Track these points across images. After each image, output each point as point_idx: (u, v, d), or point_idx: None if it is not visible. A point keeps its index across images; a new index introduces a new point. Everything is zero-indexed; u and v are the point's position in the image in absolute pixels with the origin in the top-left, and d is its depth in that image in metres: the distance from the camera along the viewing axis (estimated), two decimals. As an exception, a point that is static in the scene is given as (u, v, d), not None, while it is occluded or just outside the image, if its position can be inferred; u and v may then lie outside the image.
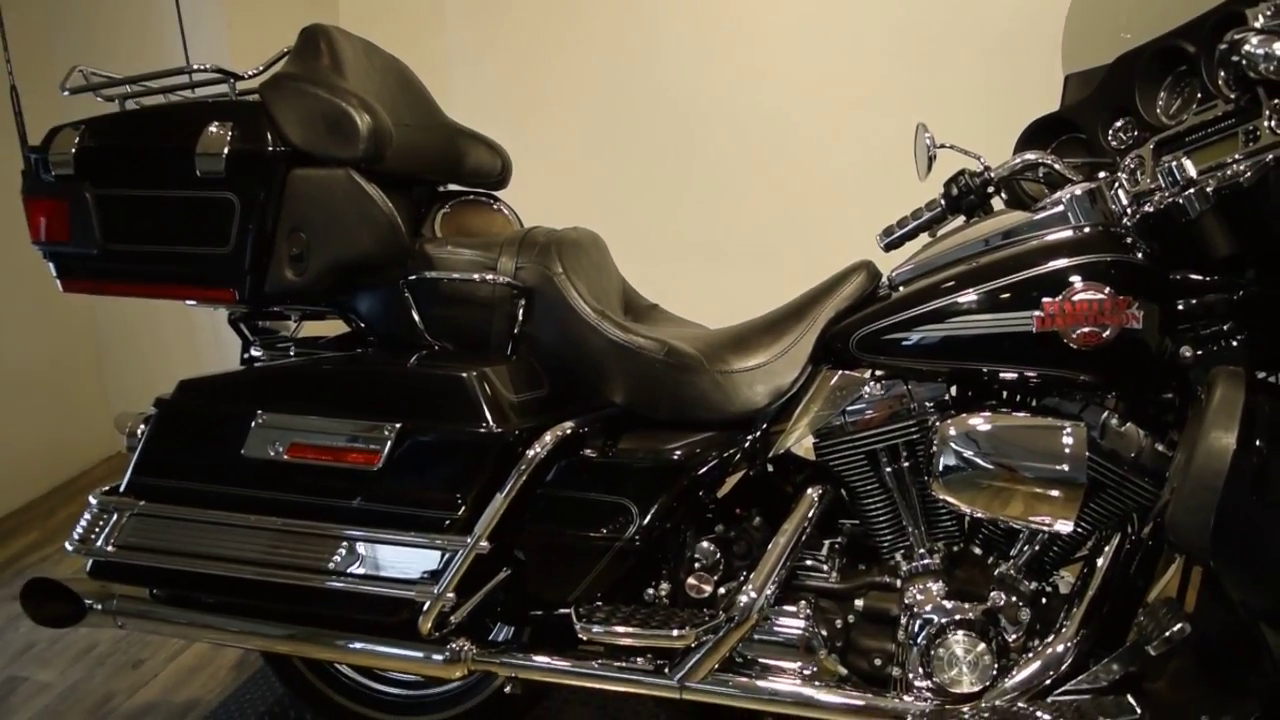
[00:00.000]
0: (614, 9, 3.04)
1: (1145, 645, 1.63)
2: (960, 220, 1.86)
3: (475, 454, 1.75)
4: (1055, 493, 1.64)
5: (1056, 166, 1.81)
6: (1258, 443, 1.49)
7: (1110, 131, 1.90)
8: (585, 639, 1.76)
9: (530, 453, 1.74)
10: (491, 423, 1.74)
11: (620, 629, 1.74)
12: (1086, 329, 1.61)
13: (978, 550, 1.81)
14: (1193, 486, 1.51)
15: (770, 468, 1.91)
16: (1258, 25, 1.49)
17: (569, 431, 1.78)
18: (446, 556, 1.72)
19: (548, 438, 1.75)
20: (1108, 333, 1.61)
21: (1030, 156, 1.84)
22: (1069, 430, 1.64)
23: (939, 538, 1.82)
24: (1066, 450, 1.63)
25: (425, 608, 1.72)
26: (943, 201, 1.85)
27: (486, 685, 2.02)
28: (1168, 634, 1.62)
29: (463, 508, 1.73)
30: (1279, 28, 1.47)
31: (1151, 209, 1.64)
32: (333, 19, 3.27)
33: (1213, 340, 1.67)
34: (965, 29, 2.74)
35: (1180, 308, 1.68)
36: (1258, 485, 1.49)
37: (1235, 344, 1.66)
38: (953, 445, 1.66)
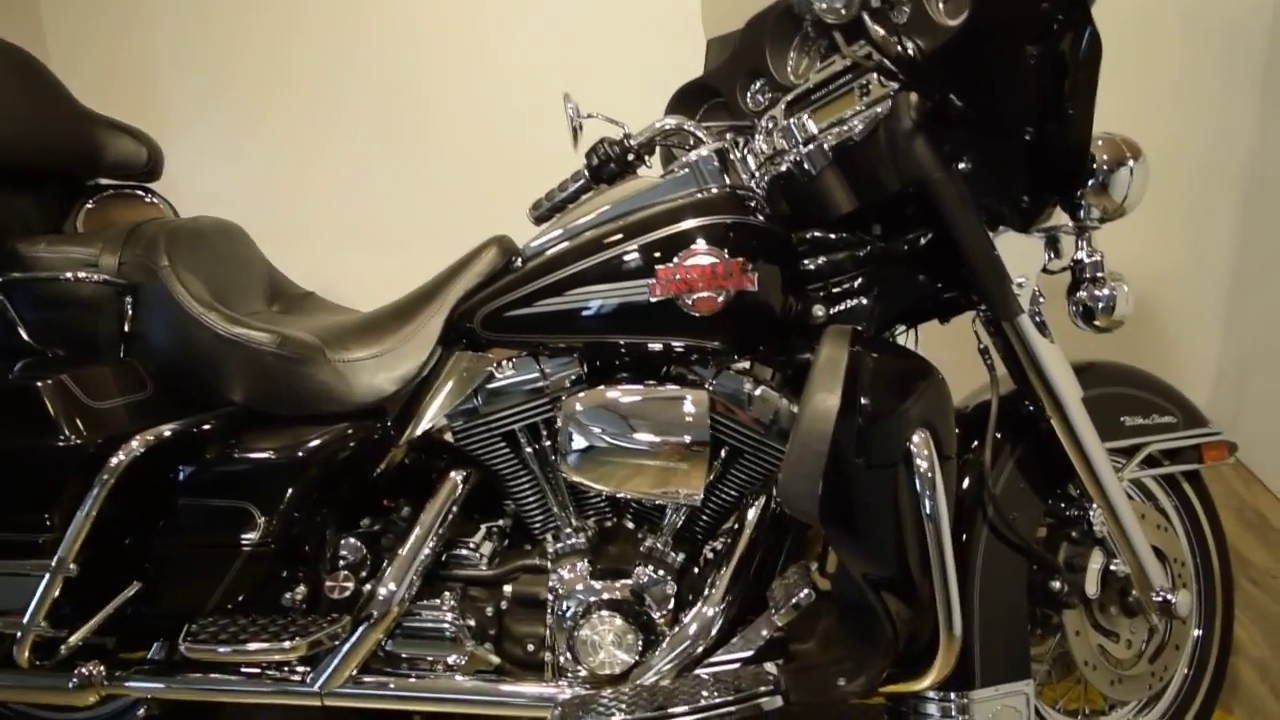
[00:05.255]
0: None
1: (773, 614, 1.46)
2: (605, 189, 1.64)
3: (54, 469, 1.45)
4: (681, 463, 1.45)
5: (696, 132, 1.61)
6: (862, 401, 1.32)
7: (749, 94, 1.71)
8: (194, 659, 1.49)
9: (114, 461, 1.44)
10: (68, 434, 1.44)
11: (223, 649, 1.46)
12: (702, 294, 1.42)
13: (630, 525, 1.61)
14: (799, 452, 1.33)
15: (423, 456, 1.67)
16: None
17: (167, 435, 1.49)
18: (34, 582, 1.42)
19: (135, 444, 1.46)
20: (723, 297, 1.42)
21: (669, 122, 1.64)
22: (690, 398, 1.45)
23: (590, 515, 1.61)
24: (688, 418, 1.45)
25: (18, 638, 1.43)
26: (586, 172, 1.63)
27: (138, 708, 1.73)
28: (794, 600, 1.45)
29: (51, 529, 1.43)
30: None
31: (783, 168, 1.46)
32: (34, 13, 2.85)
33: (843, 298, 1.50)
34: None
35: (811, 267, 1.51)
36: (861, 447, 1.32)
37: (865, 301, 1.49)
38: (576, 421, 1.46)
